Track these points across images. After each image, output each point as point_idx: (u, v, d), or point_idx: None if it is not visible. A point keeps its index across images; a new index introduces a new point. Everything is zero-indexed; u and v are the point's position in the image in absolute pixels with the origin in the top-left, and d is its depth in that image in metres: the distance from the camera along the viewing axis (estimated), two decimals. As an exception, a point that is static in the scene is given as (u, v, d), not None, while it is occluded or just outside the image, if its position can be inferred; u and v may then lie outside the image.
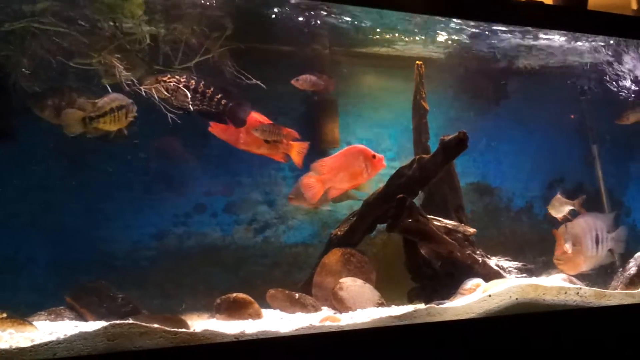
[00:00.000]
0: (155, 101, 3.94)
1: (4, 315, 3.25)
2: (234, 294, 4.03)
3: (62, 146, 4.13)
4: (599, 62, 5.70)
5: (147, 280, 4.39)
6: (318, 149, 5.17)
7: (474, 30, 5.04)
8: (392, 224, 4.26)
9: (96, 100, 3.66)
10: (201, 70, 4.12)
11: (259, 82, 4.22)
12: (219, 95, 4.04)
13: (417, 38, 5.17)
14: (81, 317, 3.81)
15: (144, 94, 3.90)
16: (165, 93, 3.91)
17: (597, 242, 4.48)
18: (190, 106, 3.97)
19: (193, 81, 3.98)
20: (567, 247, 4.40)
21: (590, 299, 3.88)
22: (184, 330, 3.11)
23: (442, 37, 5.20)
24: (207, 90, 4.00)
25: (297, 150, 4.36)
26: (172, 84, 3.90)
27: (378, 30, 5.01)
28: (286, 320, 3.91)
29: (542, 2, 4.52)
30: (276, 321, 3.90)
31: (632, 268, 4.53)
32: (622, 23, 4.68)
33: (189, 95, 3.95)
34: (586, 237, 4.44)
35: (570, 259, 4.40)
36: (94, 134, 3.74)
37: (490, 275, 4.35)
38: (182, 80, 3.94)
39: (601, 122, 6.17)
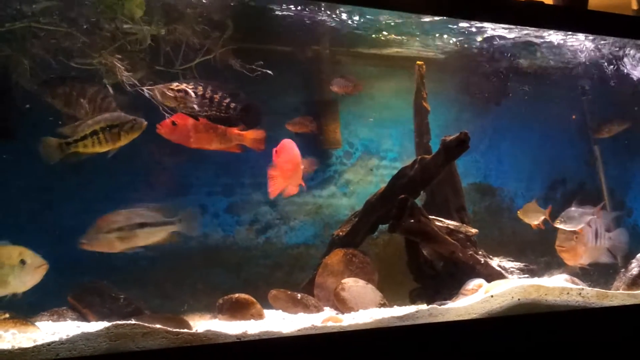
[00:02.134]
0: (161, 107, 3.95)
1: (7, 315, 3.26)
2: (236, 295, 4.03)
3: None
4: (600, 62, 5.70)
5: (149, 280, 4.39)
6: (320, 150, 5.20)
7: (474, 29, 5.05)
8: (394, 224, 4.26)
9: (77, 124, 3.56)
10: (206, 73, 4.12)
11: (268, 71, 4.22)
12: (227, 100, 4.04)
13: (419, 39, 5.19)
14: (83, 318, 3.81)
15: (148, 98, 3.90)
16: (174, 101, 3.91)
17: (595, 237, 4.49)
18: (199, 113, 3.97)
19: (200, 87, 3.97)
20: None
21: (593, 299, 3.88)
22: (186, 330, 3.11)
23: (444, 37, 5.21)
24: (215, 96, 4.00)
25: (251, 138, 4.20)
26: (179, 92, 3.89)
27: (382, 31, 5.03)
28: (288, 321, 3.91)
29: (542, 2, 4.52)
30: (278, 322, 3.90)
31: (634, 269, 4.52)
32: (623, 23, 4.68)
33: (195, 103, 3.94)
34: (586, 228, 4.45)
35: (572, 247, 4.40)
36: (78, 158, 3.62)
37: (492, 275, 4.35)
38: (189, 87, 3.93)
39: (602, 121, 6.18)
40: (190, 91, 3.91)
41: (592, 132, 6.08)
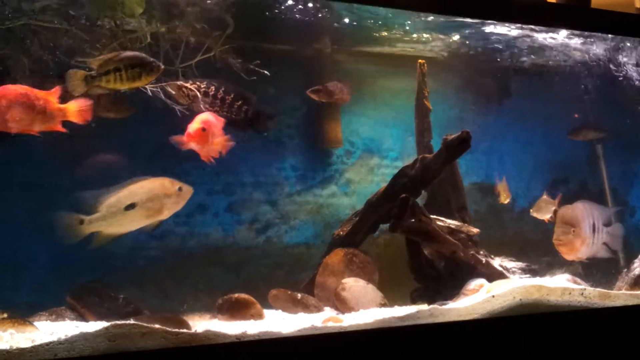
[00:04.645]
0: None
1: (5, 315, 3.25)
2: (236, 294, 4.03)
3: (61, 144, 4.12)
4: (603, 60, 5.68)
5: (148, 280, 4.38)
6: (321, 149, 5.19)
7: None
8: (395, 224, 4.24)
9: (101, 57, 3.54)
10: (209, 71, 4.11)
11: (265, 72, 4.19)
12: (240, 102, 4.02)
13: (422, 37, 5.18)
14: (82, 318, 3.80)
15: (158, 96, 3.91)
16: (187, 99, 3.90)
17: (593, 230, 4.46)
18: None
19: (213, 87, 3.96)
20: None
21: (595, 299, 3.86)
22: (185, 330, 3.10)
23: (444, 35, 5.20)
24: (227, 97, 3.99)
25: (75, 110, 3.62)
26: (192, 91, 3.88)
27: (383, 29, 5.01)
28: (288, 321, 3.90)
29: (546, 0, 4.50)
30: (278, 322, 3.89)
31: (636, 268, 4.51)
32: (626, 21, 4.65)
33: (207, 102, 3.93)
34: (584, 221, 4.42)
35: (570, 241, 4.38)
36: (102, 92, 3.66)
37: (493, 275, 4.33)
38: (202, 86, 3.92)
39: (605, 121, 6.15)
40: (202, 91, 3.91)
41: (568, 134, 6.09)
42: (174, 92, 3.90)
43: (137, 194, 3.53)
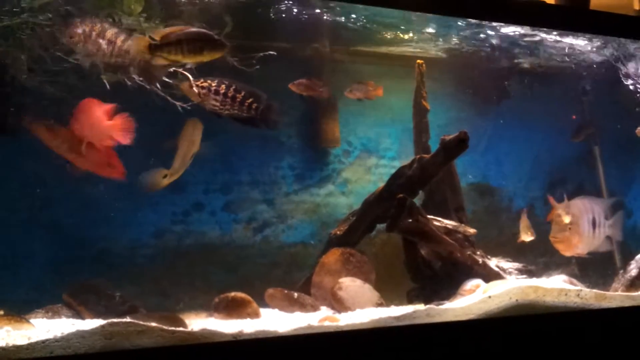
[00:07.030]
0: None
1: (1, 312, 3.25)
2: (233, 293, 4.03)
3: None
4: (602, 62, 5.69)
5: (145, 278, 4.37)
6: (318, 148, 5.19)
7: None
8: (392, 223, 4.24)
9: (166, 29, 3.62)
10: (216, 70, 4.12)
11: (273, 52, 4.27)
12: (250, 100, 4.03)
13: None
14: (78, 315, 3.79)
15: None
16: (199, 97, 3.92)
17: (593, 225, 4.45)
18: (221, 110, 3.97)
19: (223, 86, 3.97)
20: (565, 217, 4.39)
21: (591, 300, 3.86)
22: (181, 329, 3.10)
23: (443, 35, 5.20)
24: (238, 95, 4.00)
25: None
26: (203, 89, 3.90)
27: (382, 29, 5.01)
28: (285, 320, 3.90)
29: (544, 2, 4.50)
30: (275, 321, 3.88)
31: (632, 270, 4.51)
32: (624, 23, 4.66)
33: (218, 100, 3.95)
34: (583, 217, 4.41)
35: (566, 238, 4.37)
36: (164, 62, 3.71)
37: (490, 276, 4.33)
38: (213, 85, 3.94)
39: (603, 122, 6.16)
40: (213, 89, 3.92)
41: (572, 137, 6.10)
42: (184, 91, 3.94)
43: (196, 143, 4.06)
